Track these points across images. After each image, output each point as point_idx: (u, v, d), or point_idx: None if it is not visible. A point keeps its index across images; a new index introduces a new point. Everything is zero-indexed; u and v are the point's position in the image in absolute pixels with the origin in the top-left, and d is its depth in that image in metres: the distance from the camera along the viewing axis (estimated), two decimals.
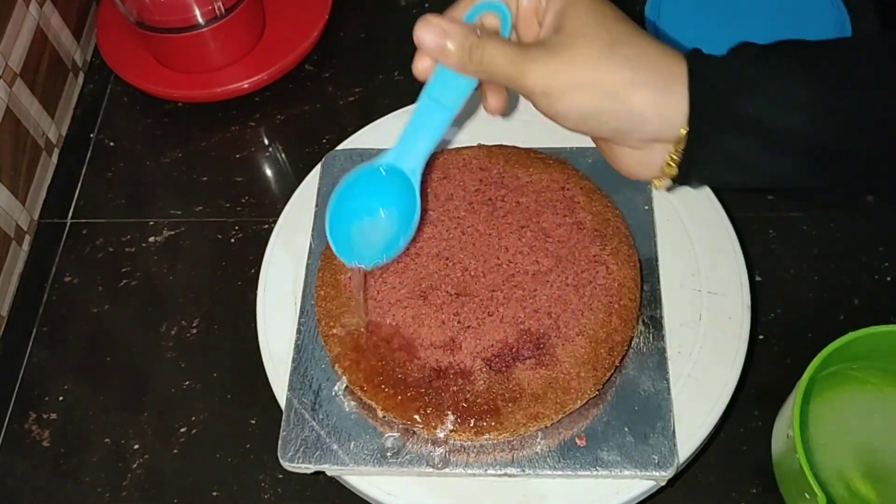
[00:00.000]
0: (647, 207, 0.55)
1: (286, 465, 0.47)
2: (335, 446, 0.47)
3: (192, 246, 0.64)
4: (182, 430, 0.56)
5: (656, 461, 0.46)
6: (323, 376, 0.50)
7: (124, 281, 0.62)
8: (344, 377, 0.49)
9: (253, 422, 0.56)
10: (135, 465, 0.55)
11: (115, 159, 0.69)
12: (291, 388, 0.49)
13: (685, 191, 0.57)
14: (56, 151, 0.70)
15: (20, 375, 0.59)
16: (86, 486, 0.54)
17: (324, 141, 0.68)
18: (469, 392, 0.47)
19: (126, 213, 0.66)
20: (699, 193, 0.57)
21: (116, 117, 0.72)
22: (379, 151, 0.58)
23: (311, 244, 0.55)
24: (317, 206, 0.57)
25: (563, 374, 0.47)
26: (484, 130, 0.60)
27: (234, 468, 0.54)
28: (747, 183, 0.40)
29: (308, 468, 0.47)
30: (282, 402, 0.50)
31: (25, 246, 0.65)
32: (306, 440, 0.47)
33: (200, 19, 0.65)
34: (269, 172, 0.68)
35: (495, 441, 0.47)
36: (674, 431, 0.47)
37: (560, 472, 0.46)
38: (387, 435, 0.47)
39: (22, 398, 0.58)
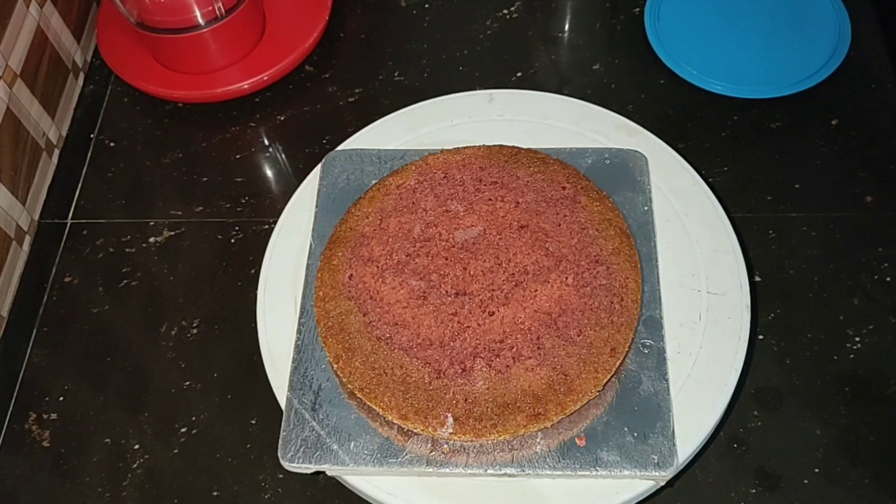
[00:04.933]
0: (646, 207, 0.55)
1: (286, 465, 0.47)
2: (335, 446, 0.47)
3: (192, 246, 0.64)
4: (182, 430, 0.56)
5: (656, 461, 0.46)
6: (323, 376, 0.50)
7: (124, 281, 0.62)
8: (343, 377, 0.49)
9: (253, 422, 0.56)
10: (135, 465, 0.55)
11: (116, 160, 0.69)
12: (291, 388, 0.49)
13: (685, 191, 0.57)
14: (56, 152, 0.70)
15: (20, 375, 0.59)
16: (86, 486, 0.54)
17: (324, 141, 0.68)
18: (469, 392, 0.47)
19: (126, 214, 0.66)
20: (699, 193, 0.57)
21: (117, 118, 0.72)
22: (378, 152, 0.59)
23: (311, 244, 0.55)
24: (317, 206, 0.57)
25: (563, 375, 0.47)
26: (484, 130, 0.61)
27: (234, 468, 0.54)
28: None
29: (308, 468, 0.47)
30: (282, 402, 0.50)
31: (26, 246, 0.65)
32: (306, 440, 0.47)
33: (200, 20, 0.65)
34: (269, 172, 0.68)
35: (495, 441, 0.47)
36: (673, 431, 0.47)
37: (560, 473, 0.46)
38: (387, 435, 0.47)
39: (22, 398, 0.58)
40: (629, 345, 0.49)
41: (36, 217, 0.67)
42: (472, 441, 0.46)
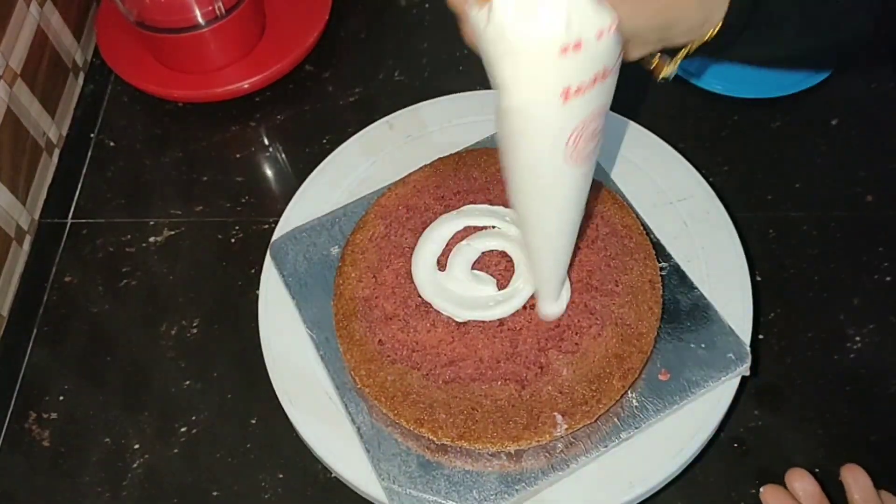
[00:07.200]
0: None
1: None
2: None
3: (192, 246, 0.64)
4: (182, 430, 0.56)
5: (733, 358, 0.48)
6: (407, 449, 0.47)
7: (124, 281, 0.62)
8: (434, 436, 0.46)
9: (253, 422, 0.56)
10: (135, 465, 0.55)
11: (116, 159, 0.69)
12: (380, 477, 0.47)
13: (685, 190, 0.57)
14: (56, 151, 0.70)
15: (20, 375, 0.59)
16: (85, 485, 0.54)
17: (324, 141, 0.68)
18: (561, 384, 0.47)
19: (126, 213, 0.66)
20: (699, 193, 0.57)
21: (116, 117, 0.72)
22: (320, 220, 0.56)
23: (311, 336, 0.52)
24: (292, 297, 0.54)
25: (626, 325, 0.48)
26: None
27: (234, 468, 0.54)
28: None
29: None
30: (283, 402, 0.50)
31: (26, 246, 0.65)
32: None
33: (200, 19, 0.65)
34: (269, 172, 0.68)
35: (604, 415, 0.47)
36: (730, 327, 0.49)
37: (665, 412, 0.47)
38: (498, 469, 0.46)
39: (22, 398, 0.58)
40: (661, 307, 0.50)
41: (36, 217, 0.67)
42: (584, 427, 0.46)
